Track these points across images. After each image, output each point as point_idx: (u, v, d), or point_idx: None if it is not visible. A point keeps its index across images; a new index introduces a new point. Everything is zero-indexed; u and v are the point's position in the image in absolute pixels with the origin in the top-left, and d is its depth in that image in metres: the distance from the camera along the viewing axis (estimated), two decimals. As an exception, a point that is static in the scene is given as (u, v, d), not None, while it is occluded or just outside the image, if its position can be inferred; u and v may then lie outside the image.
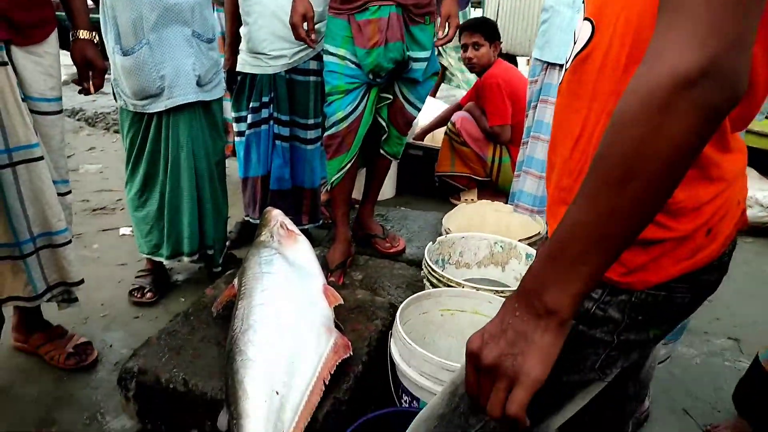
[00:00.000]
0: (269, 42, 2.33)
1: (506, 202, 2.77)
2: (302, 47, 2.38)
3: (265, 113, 2.48)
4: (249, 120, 2.48)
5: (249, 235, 2.59)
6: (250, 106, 2.44)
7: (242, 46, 2.43)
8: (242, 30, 2.40)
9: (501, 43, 3.36)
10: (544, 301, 0.60)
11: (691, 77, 0.52)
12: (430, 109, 3.74)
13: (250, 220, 2.62)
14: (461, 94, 4.25)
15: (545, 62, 2.27)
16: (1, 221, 1.67)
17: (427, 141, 3.83)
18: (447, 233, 2.23)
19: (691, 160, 0.55)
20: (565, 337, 0.62)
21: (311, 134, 2.56)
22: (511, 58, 5.10)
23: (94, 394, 1.85)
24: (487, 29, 3.25)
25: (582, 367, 0.75)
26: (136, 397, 1.44)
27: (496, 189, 3.48)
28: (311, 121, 2.52)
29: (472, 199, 3.25)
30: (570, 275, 0.59)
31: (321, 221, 2.76)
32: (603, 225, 0.58)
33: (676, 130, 0.53)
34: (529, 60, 3.30)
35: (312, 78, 2.43)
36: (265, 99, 2.45)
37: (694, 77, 0.52)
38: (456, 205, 2.97)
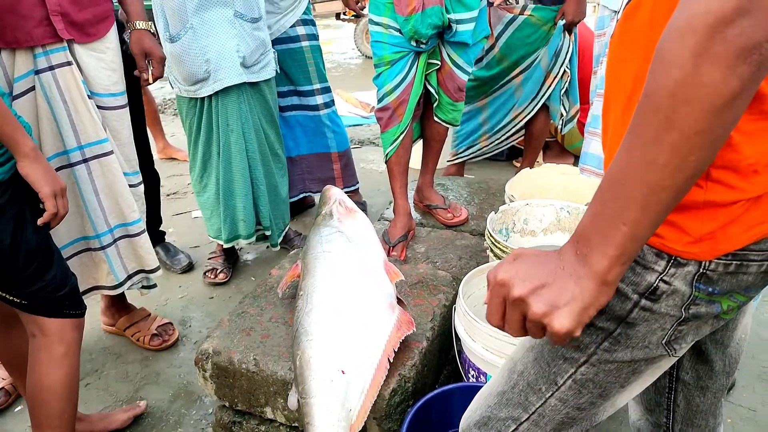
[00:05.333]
0: None
1: (574, 164, 2.64)
2: (282, 14, 2.41)
3: None
4: None
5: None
6: None
7: None
8: None
9: None
10: (588, 260, 0.59)
11: (725, 16, 0.47)
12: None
13: None
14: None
15: (614, 11, 2.11)
16: (81, 215, 1.78)
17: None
18: (511, 200, 2.16)
19: (737, 109, 0.50)
20: (609, 298, 0.61)
21: (321, 99, 2.61)
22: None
23: (177, 372, 1.97)
24: None
25: (648, 342, 0.71)
26: (212, 376, 1.51)
27: (563, 149, 3.34)
28: (317, 86, 2.58)
29: (538, 162, 3.13)
30: (609, 235, 0.57)
31: (357, 185, 2.84)
32: (640, 182, 0.54)
33: (714, 74, 0.48)
34: (595, 7, 3.11)
35: (305, 43, 2.49)
36: None
37: (729, 16, 0.47)
38: (519, 168, 2.88)
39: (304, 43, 2.50)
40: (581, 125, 2.92)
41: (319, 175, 2.75)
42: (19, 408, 1.83)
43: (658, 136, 0.52)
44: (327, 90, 2.64)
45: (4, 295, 1.28)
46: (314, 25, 2.57)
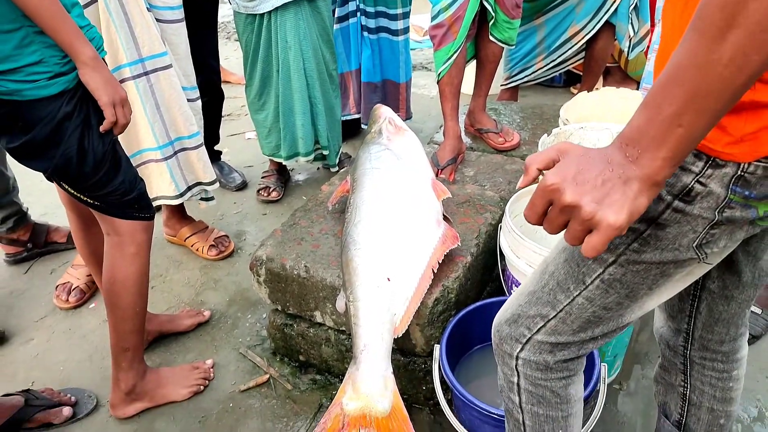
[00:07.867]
0: None
1: (637, 88, 2.52)
2: None
3: (352, 6, 2.55)
4: (336, 14, 2.52)
5: (346, 132, 2.69)
6: None
7: None
8: None
9: None
10: (638, 162, 0.59)
11: None
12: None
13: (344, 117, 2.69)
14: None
15: None
16: (143, 126, 1.86)
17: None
18: (565, 124, 2.10)
19: None
20: (653, 198, 0.61)
21: (401, 24, 2.58)
22: None
23: (233, 281, 2.10)
24: None
25: (678, 245, 0.71)
26: (266, 281, 1.60)
27: (625, 76, 3.19)
28: (399, 11, 2.55)
29: (596, 87, 3.00)
30: (663, 137, 0.56)
31: (411, 116, 2.87)
32: (700, 82, 0.53)
33: None
34: None
35: None
36: None
37: None
38: (577, 93, 2.77)
39: None
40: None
41: (390, 103, 2.74)
42: (93, 305, 2.01)
43: (722, 33, 0.51)
44: (407, 15, 2.61)
45: (79, 195, 1.37)
46: None
